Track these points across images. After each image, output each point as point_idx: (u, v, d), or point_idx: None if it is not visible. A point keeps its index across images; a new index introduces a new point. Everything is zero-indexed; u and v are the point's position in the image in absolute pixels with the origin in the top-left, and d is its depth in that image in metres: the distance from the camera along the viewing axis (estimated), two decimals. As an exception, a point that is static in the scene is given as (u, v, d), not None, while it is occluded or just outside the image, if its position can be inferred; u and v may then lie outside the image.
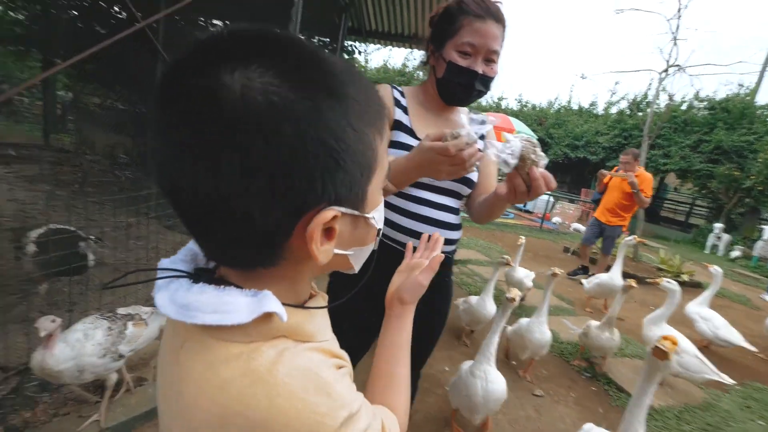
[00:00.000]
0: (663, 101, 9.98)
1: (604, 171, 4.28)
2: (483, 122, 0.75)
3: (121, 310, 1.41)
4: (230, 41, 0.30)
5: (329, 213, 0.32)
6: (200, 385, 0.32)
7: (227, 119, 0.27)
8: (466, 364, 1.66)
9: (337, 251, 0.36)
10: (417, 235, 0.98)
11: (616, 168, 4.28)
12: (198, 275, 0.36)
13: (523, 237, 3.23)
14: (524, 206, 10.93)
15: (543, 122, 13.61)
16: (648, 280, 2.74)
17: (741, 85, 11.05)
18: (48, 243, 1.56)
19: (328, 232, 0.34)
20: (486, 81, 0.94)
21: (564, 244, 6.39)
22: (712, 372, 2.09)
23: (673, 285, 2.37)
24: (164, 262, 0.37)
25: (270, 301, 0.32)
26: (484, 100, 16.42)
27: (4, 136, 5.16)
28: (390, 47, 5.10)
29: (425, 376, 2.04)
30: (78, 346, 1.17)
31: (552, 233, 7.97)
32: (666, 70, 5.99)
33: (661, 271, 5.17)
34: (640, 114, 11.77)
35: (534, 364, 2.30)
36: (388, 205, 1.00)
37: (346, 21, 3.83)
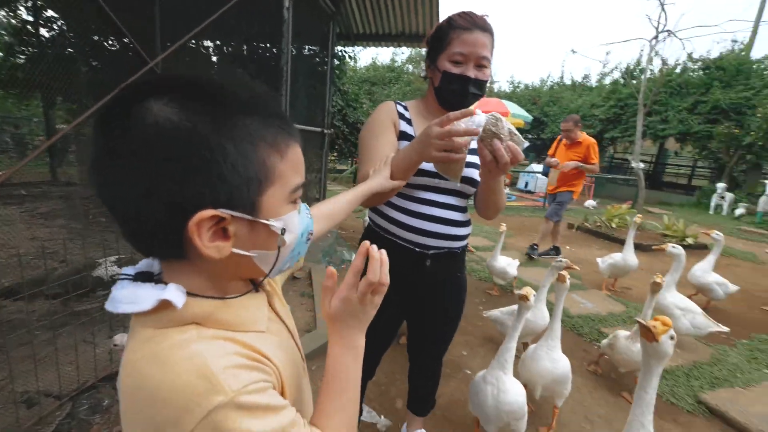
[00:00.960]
0: (656, 67, 9.95)
1: (550, 160, 4.20)
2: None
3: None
4: (157, 82, 0.39)
5: (207, 213, 0.37)
6: (123, 361, 0.41)
7: (126, 137, 0.36)
8: (483, 372, 1.52)
9: (237, 251, 0.42)
10: (424, 233, 1.07)
11: (558, 138, 4.27)
12: (136, 277, 0.43)
13: (504, 225, 3.18)
14: (525, 187, 10.97)
15: (537, 101, 13.57)
16: (653, 247, 2.78)
17: (735, 41, 10.99)
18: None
19: (224, 231, 0.40)
20: (479, 84, 1.02)
21: (568, 222, 6.45)
22: (715, 325, 2.26)
23: (677, 250, 2.45)
24: (124, 269, 0.45)
25: (168, 291, 0.39)
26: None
27: (13, 177, 5.35)
28: (378, 47, 5.16)
29: (445, 362, 2.15)
30: None
31: (556, 211, 8.03)
32: (656, 37, 5.99)
33: (666, 237, 5.23)
34: (635, 82, 11.69)
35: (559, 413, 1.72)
36: (397, 208, 1.09)
37: (334, 28, 3.90)
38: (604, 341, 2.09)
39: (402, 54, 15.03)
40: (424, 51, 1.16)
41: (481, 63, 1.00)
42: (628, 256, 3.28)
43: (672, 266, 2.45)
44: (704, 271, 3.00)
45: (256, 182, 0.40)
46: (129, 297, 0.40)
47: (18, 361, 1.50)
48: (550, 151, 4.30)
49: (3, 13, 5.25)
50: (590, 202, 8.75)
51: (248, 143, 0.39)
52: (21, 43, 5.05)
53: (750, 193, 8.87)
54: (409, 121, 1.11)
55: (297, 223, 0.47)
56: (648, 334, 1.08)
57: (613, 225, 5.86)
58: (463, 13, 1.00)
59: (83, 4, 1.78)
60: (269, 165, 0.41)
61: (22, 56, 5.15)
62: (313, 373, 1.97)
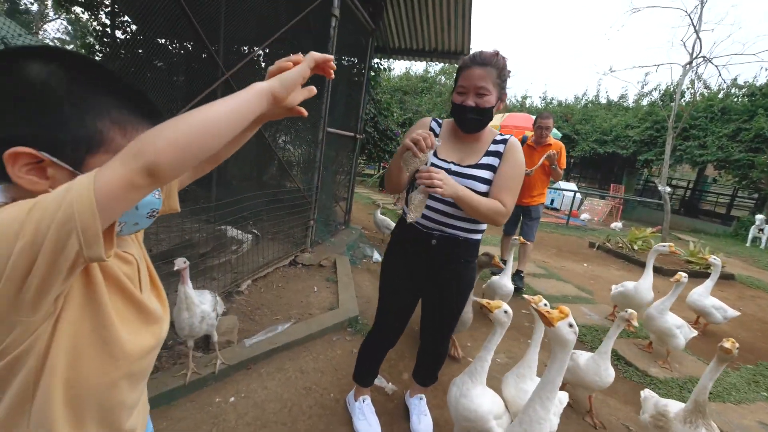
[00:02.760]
0: (697, 90, 9.70)
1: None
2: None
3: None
4: (44, 49, 0.48)
5: (21, 149, 0.44)
6: None
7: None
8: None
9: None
10: (427, 218, 1.35)
11: (522, 136, 3.78)
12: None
13: (518, 237, 3.02)
14: (551, 204, 10.92)
15: (569, 118, 13.45)
16: (671, 279, 2.53)
17: (785, 69, 10.54)
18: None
19: (41, 170, 0.47)
20: (478, 110, 1.23)
21: (590, 240, 6.47)
22: (693, 331, 2.50)
23: (683, 279, 2.41)
24: None
25: None
26: (508, 100, 16.38)
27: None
28: (412, 61, 5.48)
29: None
30: (199, 297, 1.64)
31: (579, 230, 8.00)
32: (690, 63, 5.97)
33: (690, 263, 5.17)
34: (672, 104, 11.37)
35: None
36: None
37: (372, 42, 4.25)
38: (645, 415, 1.63)
39: (435, 65, 15.35)
40: (456, 65, 1.43)
41: (480, 92, 1.21)
42: (642, 285, 2.83)
43: (670, 291, 2.46)
44: (701, 295, 2.96)
45: (85, 144, 0.48)
46: None
47: None
48: None
49: (87, 16, 6.00)
50: (616, 224, 8.64)
51: (91, 113, 0.48)
52: (100, 43, 5.77)
53: (792, 228, 8.46)
54: (437, 136, 1.37)
55: None
56: (545, 320, 1.13)
57: (635, 247, 5.83)
58: (471, 54, 1.25)
59: (163, 9, 2.05)
60: (106, 136, 0.50)
61: (99, 54, 5.88)
62: (333, 343, 2.26)
